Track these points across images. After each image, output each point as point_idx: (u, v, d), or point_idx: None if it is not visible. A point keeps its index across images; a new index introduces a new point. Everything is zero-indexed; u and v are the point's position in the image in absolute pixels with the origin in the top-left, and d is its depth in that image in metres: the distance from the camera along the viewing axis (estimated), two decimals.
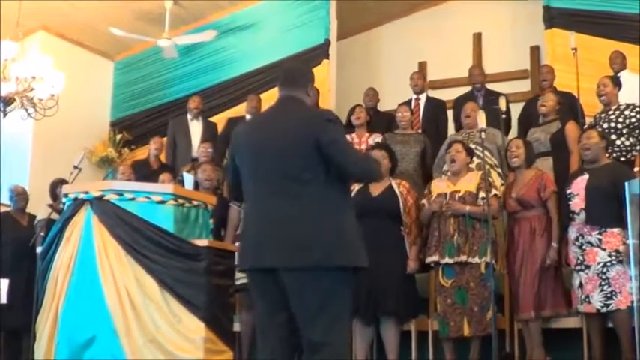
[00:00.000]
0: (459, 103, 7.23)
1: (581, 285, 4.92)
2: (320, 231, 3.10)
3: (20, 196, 6.88)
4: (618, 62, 6.65)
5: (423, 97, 7.77)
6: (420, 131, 7.27)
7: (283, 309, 3.16)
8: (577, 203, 4.98)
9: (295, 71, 3.47)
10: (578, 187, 5.03)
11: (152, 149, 7.81)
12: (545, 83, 7.06)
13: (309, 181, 3.14)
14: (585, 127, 5.66)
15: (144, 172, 7.12)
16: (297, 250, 3.08)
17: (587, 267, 4.88)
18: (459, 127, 6.92)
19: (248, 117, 7.69)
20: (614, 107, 5.86)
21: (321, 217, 3.13)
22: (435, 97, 7.98)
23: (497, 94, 7.03)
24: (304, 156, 3.14)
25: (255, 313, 3.41)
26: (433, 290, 5.46)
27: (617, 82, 6.03)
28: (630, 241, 4.60)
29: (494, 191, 5.14)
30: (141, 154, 8.93)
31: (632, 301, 4.57)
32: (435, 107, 7.70)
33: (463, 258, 5.05)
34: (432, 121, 7.54)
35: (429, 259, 5.23)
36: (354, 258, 3.17)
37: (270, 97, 8.31)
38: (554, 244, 5.06)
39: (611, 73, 6.45)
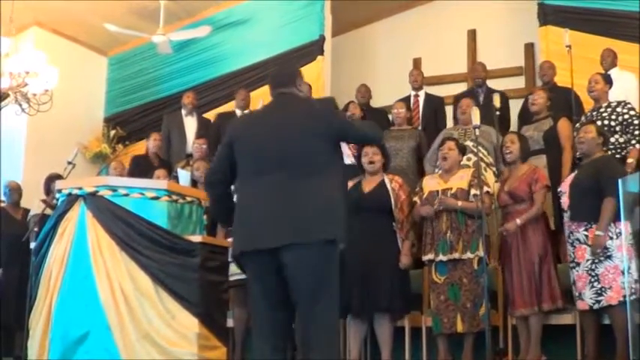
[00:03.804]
0: (458, 100, 7.23)
1: (574, 282, 4.93)
2: (327, 209, 3.25)
3: (14, 191, 6.88)
4: (609, 60, 6.69)
5: (422, 94, 7.80)
6: (419, 128, 7.28)
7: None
8: (565, 201, 5.02)
9: (281, 72, 3.73)
10: (566, 184, 5.06)
11: (151, 146, 7.65)
12: (545, 78, 7.08)
13: (322, 165, 3.30)
14: (578, 124, 5.66)
15: (144, 167, 7.08)
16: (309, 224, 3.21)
17: (578, 264, 4.89)
18: (457, 124, 6.92)
19: (238, 112, 7.67)
20: (605, 105, 5.86)
21: (333, 196, 3.29)
22: (433, 93, 7.99)
23: (498, 92, 6.99)
24: (317, 142, 3.31)
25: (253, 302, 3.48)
26: (427, 286, 5.46)
27: (608, 80, 6.04)
28: (624, 238, 4.61)
29: (486, 188, 5.14)
30: (134, 149, 8.91)
31: (623, 296, 4.57)
32: (434, 104, 7.74)
33: (456, 255, 5.07)
34: (431, 117, 7.58)
35: (424, 258, 5.25)
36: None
37: (264, 93, 8.32)
38: (517, 221, 5.04)
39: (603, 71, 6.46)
